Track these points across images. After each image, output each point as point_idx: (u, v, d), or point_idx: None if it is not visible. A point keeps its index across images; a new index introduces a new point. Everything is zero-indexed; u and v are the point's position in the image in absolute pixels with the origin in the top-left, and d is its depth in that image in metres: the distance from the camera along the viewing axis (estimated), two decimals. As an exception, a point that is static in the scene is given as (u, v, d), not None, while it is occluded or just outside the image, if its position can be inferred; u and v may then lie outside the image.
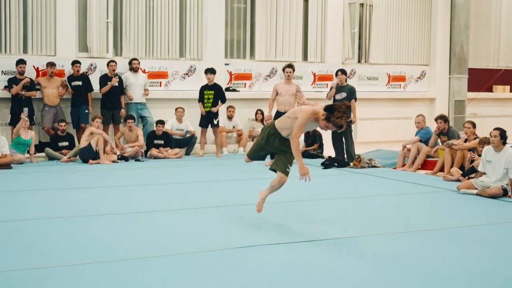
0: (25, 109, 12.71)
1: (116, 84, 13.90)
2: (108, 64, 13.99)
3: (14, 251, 5.79)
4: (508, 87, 19.12)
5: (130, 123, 13.58)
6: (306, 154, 14.06)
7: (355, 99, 13.17)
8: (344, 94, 13.07)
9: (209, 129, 14.37)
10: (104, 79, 13.93)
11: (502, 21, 19.23)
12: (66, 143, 13.37)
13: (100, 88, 13.86)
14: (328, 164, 12.57)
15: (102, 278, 5.01)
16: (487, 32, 18.98)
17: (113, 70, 13.99)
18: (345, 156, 13.00)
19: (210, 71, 14.25)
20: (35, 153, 13.13)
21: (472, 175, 10.22)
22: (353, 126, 13.37)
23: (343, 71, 13.35)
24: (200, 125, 14.36)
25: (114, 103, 13.99)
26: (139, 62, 14.34)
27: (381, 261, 5.68)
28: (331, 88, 13.44)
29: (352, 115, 13.02)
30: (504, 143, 9.37)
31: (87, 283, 4.88)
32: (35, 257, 5.61)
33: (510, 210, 8.48)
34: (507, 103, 19.07)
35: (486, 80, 18.13)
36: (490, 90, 18.78)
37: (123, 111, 14.08)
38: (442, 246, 6.27)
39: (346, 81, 13.37)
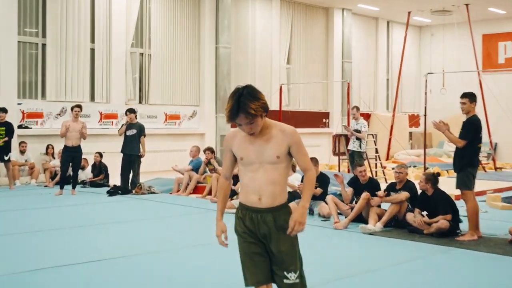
0: None
1: None
2: None
3: None
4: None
5: None
6: (93, 184, 13.69)
7: (144, 135, 12.93)
8: (134, 131, 12.78)
9: (2, 163, 13.43)
10: None
11: (256, 69, 20.29)
12: None
13: None
14: (113, 191, 12.33)
15: None
16: (245, 78, 19.89)
17: None
18: (130, 184, 12.81)
19: (2, 110, 13.34)
20: None
21: (234, 197, 10.60)
22: (142, 159, 13.12)
23: (132, 110, 13.09)
24: (-6, 159, 13.38)
25: None
26: None
27: (154, 276, 5.69)
28: (122, 125, 13.19)
29: (142, 150, 12.84)
30: None
31: None
32: None
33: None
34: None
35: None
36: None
37: None
38: (208, 258, 6.43)
39: (136, 118, 13.19)
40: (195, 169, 12.87)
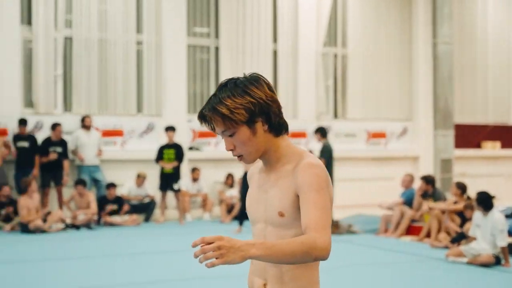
0: None
1: (56, 157, 13.77)
2: (54, 128, 13.85)
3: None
4: (498, 144, 19.42)
5: (80, 189, 13.52)
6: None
7: (325, 158, 12.95)
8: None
9: (171, 193, 14.42)
10: (46, 145, 13.81)
11: (489, 72, 19.64)
12: (6, 210, 13.18)
13: (41, 156, 13.72)
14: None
15: None
16: (473, 84, 19.35)
17: (59, 136, 13.88)
18: None
19: (171, 129, 14.34)
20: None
21: (462, 241, 10.32)
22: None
23: (320, 130, 13.53)
24: (160, 188, 14.36)
25: (54, 165, 13.86)
26: (91, 120, 14.34)
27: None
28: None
29: None
30: (487, 207, 9.47)
31: None
32: None
33: (502, 281, 8.57)
34: (497, 161, 19.34)
35: (474, 137, 18.42)
36: (478, 146, 19.08)
37: (66, 179, 13.92)
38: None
39: (324, 138, 13.46)
40: (409, 203, 12.75)
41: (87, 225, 13.33)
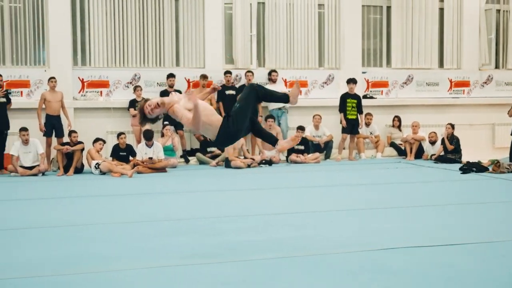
0: (170, 127, 13.12)
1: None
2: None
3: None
4: None
5: (270, 122, 13.64)
6: (444, 159, 13.52)
7: None
8: None
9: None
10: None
11: None
12: (214, 149, 13.60)
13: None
14: (466, 169, 11.99)
15: (242, 274, 4.97)
16: None
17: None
18: None
19: (353, 81, 14.19)
20: (187, 158, 13.63)
21: None
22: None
23: None
24: (344, 131, 14.22)
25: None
26: (277, 74, 14.38)
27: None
28: None
29: None
30: None
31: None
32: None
33: None
34: None
35: None
36: None
37: (260, 118, 14.14)
38: None
39: None
40: None
41: (269, 162, 13.37)
